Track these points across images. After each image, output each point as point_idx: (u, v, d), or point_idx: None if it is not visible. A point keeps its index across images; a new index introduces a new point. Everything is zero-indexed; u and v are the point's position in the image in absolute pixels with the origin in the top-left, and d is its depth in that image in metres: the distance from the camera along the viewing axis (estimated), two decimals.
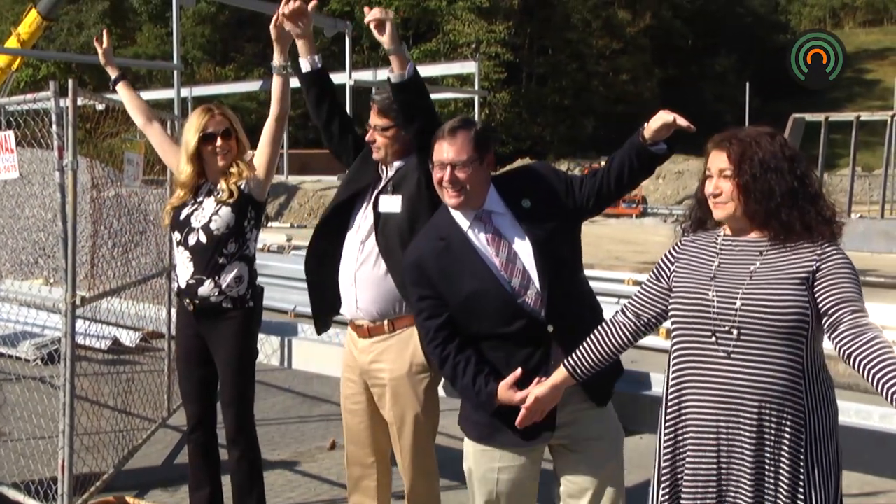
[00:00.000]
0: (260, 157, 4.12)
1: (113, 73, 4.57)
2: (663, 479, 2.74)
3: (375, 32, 3.35)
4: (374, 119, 3.70)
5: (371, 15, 3.35)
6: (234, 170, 4.04)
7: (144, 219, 7.03)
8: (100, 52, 4.58)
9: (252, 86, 42.49)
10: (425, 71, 39.71)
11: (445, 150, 3.08)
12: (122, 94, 4.55)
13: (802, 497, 2.54)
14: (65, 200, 4.38)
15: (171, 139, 4.59)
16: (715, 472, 2.63)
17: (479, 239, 3.11)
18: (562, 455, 3.21)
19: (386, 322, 3.76)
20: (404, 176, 3.67)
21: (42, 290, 9.36)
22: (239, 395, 4.09)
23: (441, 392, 3.86)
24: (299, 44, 3.82)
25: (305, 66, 3.83)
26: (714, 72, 74.34)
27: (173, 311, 5.33)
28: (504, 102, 59.35)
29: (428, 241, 3.18)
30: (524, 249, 3.08)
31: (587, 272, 3.40)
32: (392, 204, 3.66)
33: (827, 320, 2.50)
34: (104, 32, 4.67)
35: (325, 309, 4.00)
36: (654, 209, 40.48)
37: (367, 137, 3.74)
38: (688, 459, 2.69)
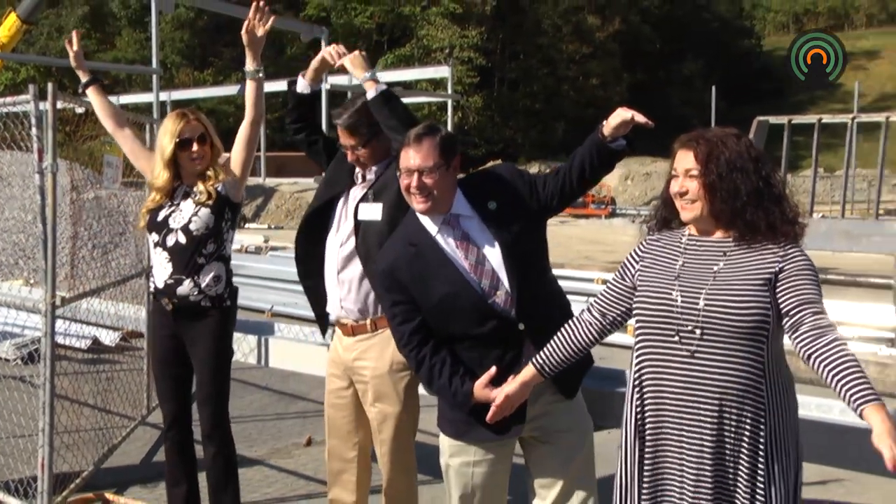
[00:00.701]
0: (235, 159, 4.12)
1: (84, 77, 4.45)
2: (630, 474, 2.76)
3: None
4: (346, 140, 3.73)
5: (338, 64, 3.70)
6: (210, 173, 4.03)
7: (124, 220, 7.00)
8: (71, 54, 4.46)
9: (230, 90, 42.24)
10: (400, 75, 39.72)
11: (412, 157, 3.08)
12: (93, 98, 4.45)
13: (762, 490, 2.55)
14: (44, 202, 4.34)
15: (142, 144, 4.53)
16: (677, 468, 2.65)
17: (448, 243, 3.11)
18: (534, 447, 3.23)
19: (368, 321, 3.79)
20: (385, 185, 3.67)
21: (22, 290, 9.26)
22: (215, 394, 4.08)
23: (420, 389, 3.87)
24: (311, 69, 3.89)
25: (302, 86, 3.92)
26: (681, 76, 74.90)
27: None
28: (477, 106, 59.48)
29: (398, 247, 3.18)
30: (492, 251, 3.09)
31: (557, 271, 3.41)
32: (373, 212, 3.67)
33: (788, 321, 2.51)
34: (74, 35, 4.52)
35: (323, 310, 4.00)
36: (622, 210, 40.73)
37: (350, 159, 3.77)
38: (647, 455, 2.71)
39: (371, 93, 3.56)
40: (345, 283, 3.79)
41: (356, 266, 3.74)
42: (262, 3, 3.95)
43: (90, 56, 49.94)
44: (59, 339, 6.89)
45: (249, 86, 4.04)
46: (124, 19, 59.77)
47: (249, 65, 4.01)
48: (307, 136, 4.03)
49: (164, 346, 4.16)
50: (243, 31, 3.93)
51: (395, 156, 3.51)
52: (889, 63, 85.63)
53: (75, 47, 4.43)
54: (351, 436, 3.99)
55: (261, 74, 4.04)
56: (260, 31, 3.94)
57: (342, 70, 3.72)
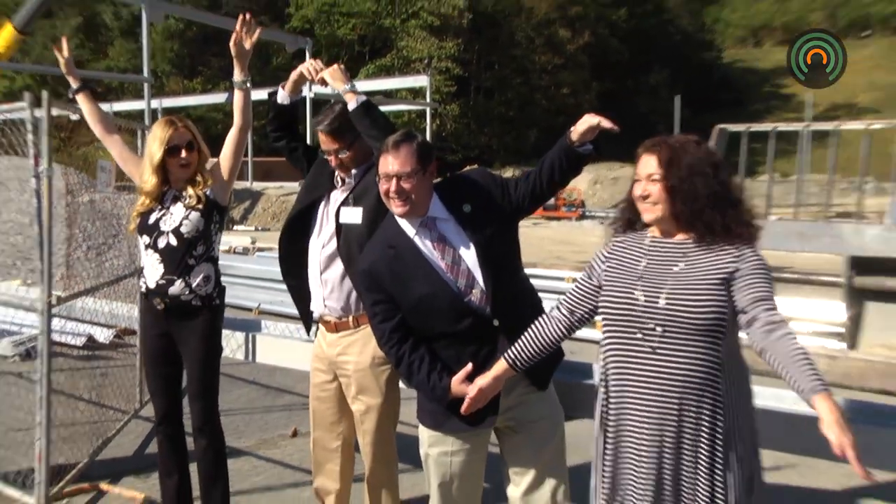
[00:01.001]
0: (224, 164, 4.11)
1: (74, 84, 4.35)
2: (596, 464, 2.79)
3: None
4: (329, 145, 3.72)
5: (318, 77, 3.70)
6: (198, 178, 4.02)
7: (117, 223, 6.96)
8: (61, 61, 4.35)
9: (218, 98, 41.93)
10: (380, 84, 39.58)
11: (390, 163, 3.09)
12: (83, 105, 4.37)
13: (720, 475, 2.58)
14: (41, 205, 4.33)
15: (131, 149, 4.48)
16: (635, 457, 2.67)
17: (426, 244, 3.12)
18: (508, 437, 3.25)
19: (351, 318, 3.81)
20: (365, 190, 3.68)
21: (20, 290, 9.19)
22: (205, 389, 4.06)
23: (401, 382, 3.88)
24: (290, 81, 3.89)
25: (282, 97, 3.92)
26: (647, 86, 75.35)
27: None
28: (454, 114, 59.51)
29: (378, 249, 3.19)
30: (467, 251, 3.10)
31: (530, 270, 3.43)
32: (353, 216, 3.68)
33: (743, 317, 2.53)
34: (63, 41, 4.39)
35: (307, 308, 4.00)
36: (591, 212, 40.82)
37: (332, 164, 3.76)
38: (608, 444, 2.73)
39: (352, 104, 3.56)
40: (328, 283, 3.80)
41: (338, 266, 3.75)
42: (248, 17, 3.95)
43: (84, 65, 49.57)
44: (56, 337, 6.84)
45: (237, 95, 4.04)
46: (116, 30, 59.28)
47: (237, 75, 4.00)
48: (287, 143, 4.04)
49: (154, 345, 4.14)
50: (231, 43, 3.91)
51: (374, 161, 3.53)
52: None
53: (65, 54, 4.34)
54: (335, 427, 4.00)
55: (248, 84, 4.03)
56: (247, 44, 3.94)
57: (322, 83, 3.71)
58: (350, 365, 3.82)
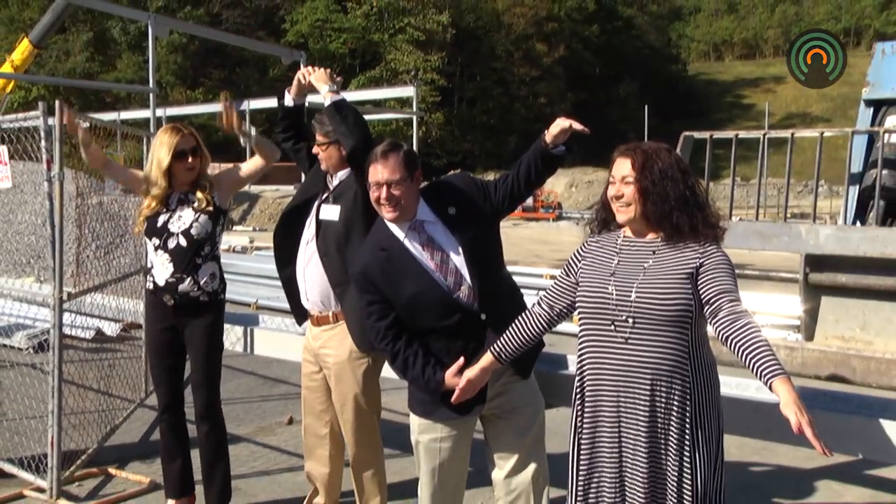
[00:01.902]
0: (237, 178, 4.17)
1: (93, 165, 4.11)
2: (572, 447, 2.78)
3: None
4: (321, 139, 3.74)
5: (307, 81, 3.77)
6: (203, 182, 4.00)
7: (124, 223, 6.89)
8: (79, 137, 4.04)
9: (218, 107, 41.57)
10: (370, 95, 39.42)
11: (380, 172, 3.07)
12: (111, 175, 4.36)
13: (688, 456, 2.59)
14: (52, 207, 4.30)
15: (131, 172, 4.37)
16: (614, 440, 2.66)
17: (415, 247, 3.10)
18: (493, 423, 3.24)
19: (330, 313, 3.79)
20: (344, 189, 3.69)
21: (33, 286, 9.11)
22: (208, 380, 4.03)
23: (383, 373, 3.86)
24: (293, 86, 3.89)
25: (288, 100, 3.95)
26: (618, 97, 75.73)
27: None
28: (439, 122, 59.64)
29: (371, 252, 3.17)
30: (454, 251, 3.09)
31: (511, 268, 3.42)
32: (331, 213, 3.68)
33: (708, 308, 2.54)
34: (67, 113, 4.10)
35: (298, 301, 3.97)
36: (568, 214, 40.98)
37: (320, 157, 3.78)
38: (586, 427, 2.73)
39: (326, 102, 3.59)
40: (310, 279, 3.79)
41: (318, 261, 3.73)
42: (227, 99, 4.16)
43: (94, 77, 49.22)
44: (66, 330, 6.78)
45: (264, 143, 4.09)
46: (124, 44, 58.94)
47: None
48: (294, 144, 4.04)
49: (159, 338, 4.10)
50: (224, 126, 3.95)
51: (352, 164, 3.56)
52: (793, 87, 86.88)
53: (82, 135, 4.04)
54: (323, 414, 3.98)
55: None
56: (235, 123, 3.92)
57: (310, 87, 3.75)
58: (330, 358, 3.80)
